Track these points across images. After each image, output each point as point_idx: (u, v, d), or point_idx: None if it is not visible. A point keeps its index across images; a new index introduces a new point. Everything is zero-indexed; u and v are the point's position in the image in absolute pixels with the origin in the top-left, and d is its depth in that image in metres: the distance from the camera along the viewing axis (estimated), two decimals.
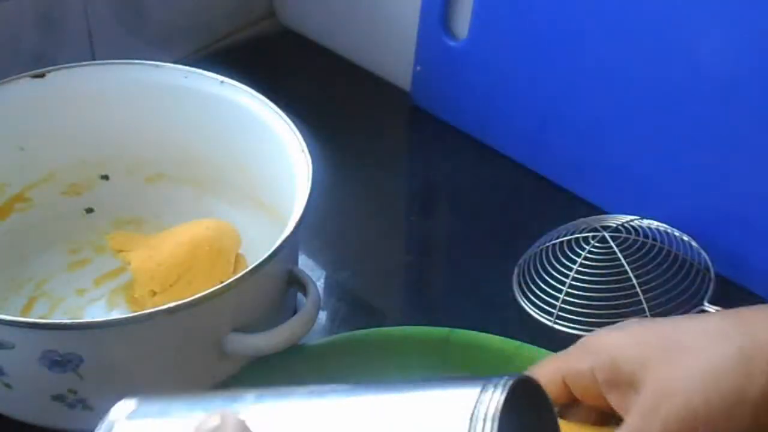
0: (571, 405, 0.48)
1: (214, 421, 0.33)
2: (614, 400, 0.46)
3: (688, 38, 0.64)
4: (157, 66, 0.66)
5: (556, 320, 0.63)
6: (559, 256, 0.65)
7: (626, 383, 0.45)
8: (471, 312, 0.65)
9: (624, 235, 0.65)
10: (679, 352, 0.44)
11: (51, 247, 0.67)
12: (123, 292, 0.64)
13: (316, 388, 0.36)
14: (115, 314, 0.62)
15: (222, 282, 0.52)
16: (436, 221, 0.76)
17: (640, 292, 0.62)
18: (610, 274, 0.62)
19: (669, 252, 0.65)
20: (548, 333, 0.62)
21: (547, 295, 0.63)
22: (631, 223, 0.66)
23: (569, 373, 0.47)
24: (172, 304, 0.50)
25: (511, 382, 0.32)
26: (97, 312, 0.63)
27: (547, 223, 0.68)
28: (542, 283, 0.64)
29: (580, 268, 0.63)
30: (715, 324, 0.46)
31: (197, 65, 0.66)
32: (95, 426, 0.37)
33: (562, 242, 0.66)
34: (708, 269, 0.65)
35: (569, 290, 0.63)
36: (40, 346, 0.50)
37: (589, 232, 0.66)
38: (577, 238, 0.65)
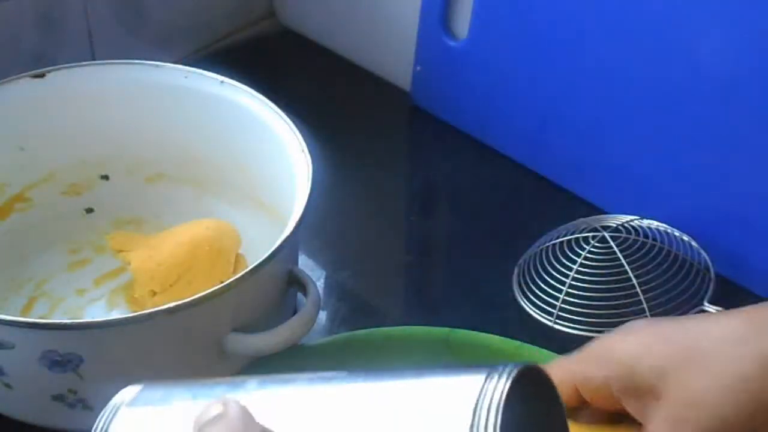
0: (581, 407, 0.48)
1: (217, 408, 0.33)
2: (632, 407, 0.45)
3: (688, 38, 0.64)
4: (157, 66, 0.66)
5: (556, 320, 0.63)
6: (559, 256, 0.65)
7: (645, 391, 0.44)
8: (471, 312, 0.65)
9: (624, 235, 0.65)
10: (701, 359, 0.44)
11: (51, 247, 0.67)
12: (123, 292, 0.64)
13: (318, 375, 0.36)
14: (115, 314, 0.62)
15: (222, 282, 0.52)
16: (436, 221, 0.76)
17: (640, 292, 0.62)
18: (610, 274, 0.62)
19: (669, 252, 0.65)
20: (548, 333, 0.62)
21: (547, 295, 0.63)
22: (631, 223, 0.66)
23: (581, 381, 0.46)
24: (172, 304, 0.50)
25: (516, 371, 0.32)
26: (97, 312, 0.63)
27: (547, 223, 0.68)
28: (542, 283, 0.64)
29: (580, 268, 0.63)
30: (732, 328, 0.45)
31: (197, 65, 0.66)
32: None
33: (562, 242, 0.66)
34: (708, 269, 0.65)
35: (569, 290, 0.63)
36: (40, 346, 0.50)
37: (589, 232, 0.66)
38: (577, 238, 0.65)
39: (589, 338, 0.61)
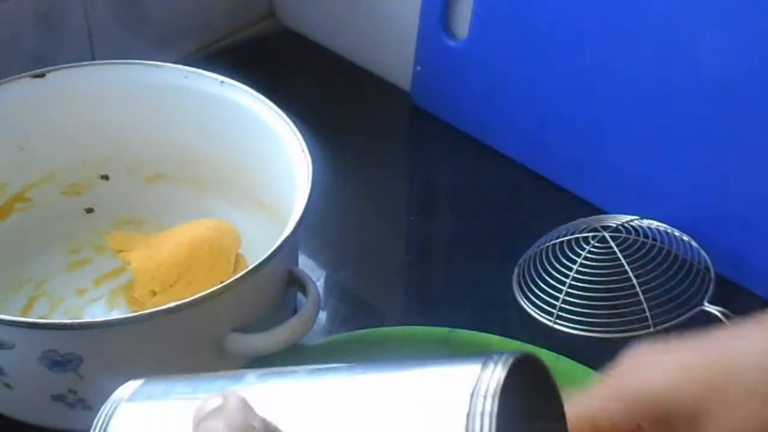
0: None
1: (216, 401, 0.33)
2: None
3: (688, 38, 0.64)
4: (157, 66, 0.66)
5: (556, 320, 0.63)
6: (559, 256, 0.65)
7: (682, 427, 0.43)
8: (471, 312, 0.65)
9: (624, 235, 0.65)
10: (739, 394, 0.42)
11: (51, 247, 0.67)
12: (123, 292, 0.64)
13: (318, 367, 0.36)
14: (115, 314, 0.62)
15: (222, 282, 0.52)
16: (436, 221, 0.76)
17: (640, 292, 0.62)
18: (610, 274, 0.62)
19: (669, 252, 0.65)
20: (548, 333, 0.62)
21: (547, 295, 0.63)
22: (631, 223, 0.66)
23: (604, 421, 0.43)
24: (172, 304, 0.50)
25: (513, 359, 0.32)
26: (97, 312, 0.63)
27: (547, 223, 0.68)
28: (542, 283, 0.64)
29: (580, 268, 0.63)
30: (761, 351, 0.43)
31: (197, 65, 0.66)
32: None
33: (562, 242, 0.66)
34: (708, 269, 0.65)
35: (569, 290, 0.63)
36: (40, 346, 0.50)
37: (589, 232, 0.66)
38: (577, 238, 0.65)
39: (589, 338, 0.62)
